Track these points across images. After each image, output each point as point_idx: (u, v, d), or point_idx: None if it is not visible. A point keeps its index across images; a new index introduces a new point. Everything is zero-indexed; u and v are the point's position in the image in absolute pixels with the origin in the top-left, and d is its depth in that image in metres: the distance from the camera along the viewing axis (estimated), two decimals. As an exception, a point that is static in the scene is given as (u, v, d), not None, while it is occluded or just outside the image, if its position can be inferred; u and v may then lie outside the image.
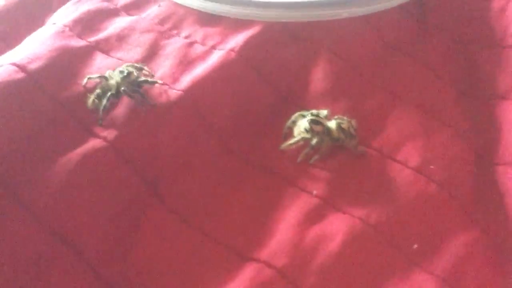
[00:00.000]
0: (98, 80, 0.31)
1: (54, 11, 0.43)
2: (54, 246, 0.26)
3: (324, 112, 0.31)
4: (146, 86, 0.31)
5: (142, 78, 0.31)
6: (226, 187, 0.30)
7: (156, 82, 0.31)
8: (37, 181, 0.27)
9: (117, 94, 0.30)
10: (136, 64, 0.32)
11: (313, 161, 0.30)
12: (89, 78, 0.31)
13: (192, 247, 0.27)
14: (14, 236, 0.26)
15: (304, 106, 0.33)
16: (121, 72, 0.31)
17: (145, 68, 0.32)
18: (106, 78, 0.31)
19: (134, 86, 0.30)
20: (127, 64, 0.32)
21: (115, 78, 0.31)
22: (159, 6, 0.39)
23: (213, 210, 0.29)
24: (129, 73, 0.31)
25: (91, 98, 0.30)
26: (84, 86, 0.31)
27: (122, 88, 0.30)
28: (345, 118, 0.31)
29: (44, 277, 0.25)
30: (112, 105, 0.30)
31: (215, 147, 0.31)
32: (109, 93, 0.30)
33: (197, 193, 0.29)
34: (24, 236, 0.26)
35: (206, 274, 0.26)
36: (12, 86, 0.30)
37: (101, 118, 0.29)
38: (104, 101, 0.29)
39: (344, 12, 0.38)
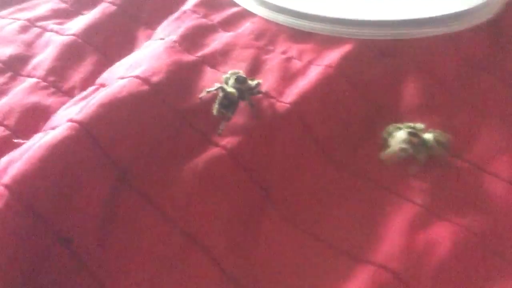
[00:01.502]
0: (215, 92, 0.33)
1: (145, 25, 0.47)
2: (185, 245, 0.29)
3: (421, 126, 0.33)
4: (256, 96, 0.34)
5: (255, 83, 0.34)
6: (332, 195, 0.32)
7: (263, 93, 0.34)
8: (168, 184, 0.30)
9: (237, 102, 0.32)
10: (236, 70, 0.35)
11: (412, 171, 0.32)
12: (207, 92, 0.33)
13: (306, 251, 0.29)
14: (149, 236, 0.29)
15: (397, 120, 0.35)
16: (237, 80, 0.33)
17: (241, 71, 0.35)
18: (223, 89, 0.33)
19: (248, 94, 0.33)
20: (232, 71, 0.35)
21: (233, 86, 0.33)
22: (252, 23, 0.42)
23: (322, 216, 0.31)
24: (245, 79, 0.33)
25: (216, 107, 0.32)
26: (201, 99, 0.34)
27: (245, 97, 0.33)
28: (438, 131, 0.33)
29: (176, 274, 0.28)
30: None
31: (320, 156, 0.33)
32: (233, 106, 0.32)
33: (306, 199, 0.31)
34: (157, 235, 0.29)
35: (323, 275, 0.28)
36: (139, 98, 0.32)
37: (221, 128, 0.32)
38: (229, 113, 0.32)
39: (430, 31, 0.40)
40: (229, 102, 0.32)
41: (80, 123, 0.30)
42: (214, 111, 0.32)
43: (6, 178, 0.27)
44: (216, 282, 0.28)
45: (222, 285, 0.28)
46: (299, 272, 0.29)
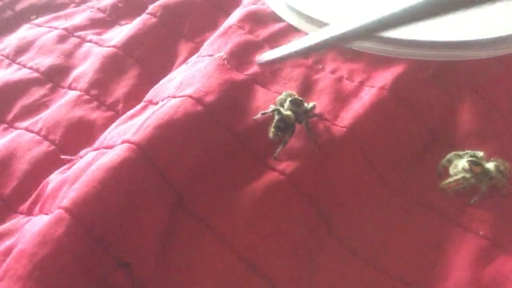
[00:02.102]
0: (271, 114, 0.32)
1: (186, 37, 0.46)
2: (245, 272, 0.28)
3: (480, 154, 0.33)
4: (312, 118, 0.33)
5: (310, 105, 0.33)
6: (391, 222, 0.31)
7: (318, 115, 0.34)
8: (226, 210, 0.29)
9: (294, 126, 0.32)
10: (289, 91, 0.34)
11: (473, 202, 0.31)
12: (262, 114, 0.33)
13: (365, 280, 0.29)
14: (208, 262, 0.28)
15: (454, 145, 0.34)
16: (293, 102, 0.32)
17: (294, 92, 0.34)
18: (279, 111, 0.32)
19: (305, 117, 0.32)
20: (286, 92, 0.34)
21: (289, 108, 0.32)
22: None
23: (382, 245, 0.30)
24: (301, 102, 0.32)
25: (272, 130, 0.32)
26: (255, 120, 0.33)
27: (302, 120, 0.32)
28: (500, 160, 0.32)
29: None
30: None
31: (377, 182, 0.32)
32: (290, 129, 0.31)
33: (365, 227, 0.31)
34: (217, 262, 0.28)
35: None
36: (194, 118, 0.32)
37: (278, 151, 0.31)
38: (286, 137, 0.31)
39: (482, 53, 0.39)
40: (285, 126, 0.31)
41: (137, 144, 0.29)
42: (270, 135, 0.31)
43: (66, 201, 0.27)
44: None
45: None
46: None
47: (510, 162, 0.33)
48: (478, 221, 0.31)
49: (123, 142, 0.30)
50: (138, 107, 0.36)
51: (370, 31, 0.24)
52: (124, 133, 0.32)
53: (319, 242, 0.30)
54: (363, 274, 0.29)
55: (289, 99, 0.32)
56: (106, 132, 0.35)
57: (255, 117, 0.33)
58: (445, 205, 0.32)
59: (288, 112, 0.32)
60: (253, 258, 0.29)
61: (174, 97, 0.34)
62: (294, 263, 0.29)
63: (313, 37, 0.26)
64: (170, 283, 0.28)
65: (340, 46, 0.37)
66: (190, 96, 0.33)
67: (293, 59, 0.38)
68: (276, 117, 0.31)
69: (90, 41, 0.48)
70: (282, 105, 0.33)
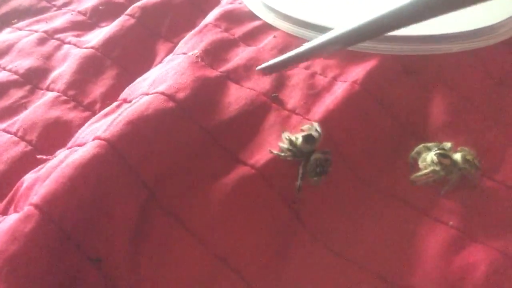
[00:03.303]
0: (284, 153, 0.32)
1: (164, 37, 0.46)
2: (216, 267, 0.28)
3: (448, 145, 0.33)
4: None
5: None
6: (362, 214, 0.31)
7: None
8: (197, 205, 0.30)
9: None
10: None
11: (443, 192, 0.32)
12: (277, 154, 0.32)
13: (338, 273, 0.29)
14: (179, 257, 0.28)
15: (425, 138, 0.35)
16: (307, 139, 0.31)
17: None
18: (293, 151, 0.31)
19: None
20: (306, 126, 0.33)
21: (303, 147, 0.31)
22: (274, 37, 0.42)
23: (353, 237, 0.30)
24: (314, 139, 0.31)
25: (316, 180, 0.31)
26: (228, 117, 0.33)
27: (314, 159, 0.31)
28: (466, 149, 0.33)
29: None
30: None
31: (349, 175, 0.33)
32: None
33: (336, 220, 0.31)
34: (188, 257, 0.28)
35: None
36: (165, 115, 0.32)
37: (298, 190, 0.31)
38: (299, 182, 0.31)
39: (454, 47, 0.40)
40: (322, 169, 0.31)
41: (108, 140, 0.30)
42: (315, 184, 0.31)
43: (36, 198, 0.27)
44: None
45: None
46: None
47: (482, 153, 0.33)
48: (448, 212, 0.31)
49: (94, 139, 0.30)
50: (113, 105, 0.36)
51: (369, 33, 0.24)
52: (96, 131, 0.32)
53: (290, 236, 0.30)
54: (335, 267, 0.29)
55: (302, 134, 0.32)
56: (79, 131, 0.35)
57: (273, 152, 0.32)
58: (416, 197, 0.32)
59: (318, 155, 0.31)
60: (225, 252, 0.29)
61: (147, 94, 0.34)
62: (266, 257, 0.29)
63: (311, 42, 0.26)
64: (141, 279, 0.28)
65: (337, 50, 0.36)
66: (162, 93, 0.33)
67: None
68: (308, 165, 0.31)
69: (69, 43, 0.48)
70: (292, 142, 0.32)
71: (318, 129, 0.32)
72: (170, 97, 0.33)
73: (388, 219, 0.31)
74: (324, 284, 0.28)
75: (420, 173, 0.32)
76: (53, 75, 0.44)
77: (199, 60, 0.37)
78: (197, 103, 0.33)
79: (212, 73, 0.37)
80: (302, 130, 0.32)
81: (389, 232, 0.30)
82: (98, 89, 0.42)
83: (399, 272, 0.28)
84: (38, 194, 0.27)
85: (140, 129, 0.31)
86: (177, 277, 0.28)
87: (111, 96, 0.41)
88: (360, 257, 0.29)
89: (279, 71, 0.33)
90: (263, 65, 0.31)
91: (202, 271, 0.28)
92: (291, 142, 0.31)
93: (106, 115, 0.35)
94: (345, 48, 0.30)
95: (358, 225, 0.31)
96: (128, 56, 0.46)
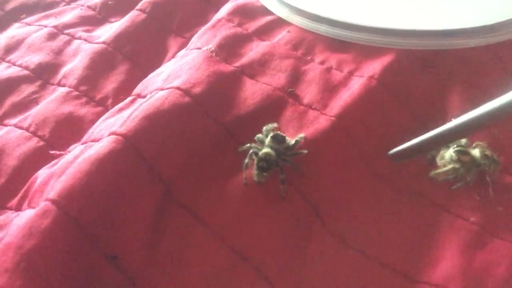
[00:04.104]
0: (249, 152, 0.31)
1: (175, 32, 0.46)
2: (234, 262, 0.28)
3: (463, 141, 0.33)
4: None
5: (292, 143, 0.31)
6: (381, 211, 0.31)
7: (303, 153, 0.31)
8: (214, 200, 0.29)
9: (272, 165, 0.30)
10: (270, 125, 0.32)
11: (455, 187, 0.31)
12: (240, 151, 0.31)
13: (358, 269, 0.29)
14: (197, 252, 0.28)
15: (443, 134, 0.34)
16: (275, 139, 0.30)
17: (276, 125, 0.32)
18: (256, 153, 0.30)
19: (286, 156, 0.30)
20: (268, 126, 0.32)
21: (268, 145, 0.31)
22: (288, 32, 0.41)
23: (372, 234, 0.30)
24: (283, 138, 0.30)
25: (256, 173, 0.30)
26: (243, 114, 0.33)
27: (278, 162, 0.30)
28: (482, 143, 0.32)
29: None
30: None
31: (367, 171, 0.32)
32: (273, 166, 0.30)
33: (355, 216, 0.31)
34: (205, 252, 0.28)
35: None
36: (181, 109, 0.32)
37: (283, 191, 0.30)
38: (281, 176, 0.30)
39: (471, 42, 0.39)
40: (268, 164, 0.29)
41: (124, 136, 0.29)
42: (256, 178, 0.30)
43: (52, 194, 0.27)
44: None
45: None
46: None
47: (501, 148, 0.33)
48: (468, 208, 0.31)
49: (110, 135, 0.30)
50: (127, 100, 0.36)
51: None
52: (111, 126, 0.32)
53: (309, 232, 0.30)
54: (354, 263, 0.29)
55: (271, 135, 0.31)
56: (94, 126, 0.35)
57: (240, 150, 0.32)
58: (436, 193, 0.32)
59: (267, 150, 0.30)
60: (243, 248, 0.28)
61: (162, 89, 0.33)
62: (285, 252, 0.29)
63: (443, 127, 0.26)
64: (159, 275, 0.28)
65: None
66: (178, 88, 0.33)
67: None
68: (255, 158, 0.30)
69: (79, 38, 0.48)
70: (263, 141, 0.31)
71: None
72: (185, 92, 0.32)
73: (407, 215, 0.31)
74: (344, 280, 0.28)
75: (440, 170, 0.32)
76: (64, 70, 0.44)
77: (214, 55, 0.37)
78: (212, 98, 0.33)
79: (227, 68, 0.36)
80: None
81: (408, 228, 0.30)
82: (110, 84, 0.42)
83: (419, 268, 0.28)
84: (55, 189, 0.27)
85: (156, 124, 0.30)
86: (195, 273, 0.28)
87: (123, 91, 0.41)
88: (379, 253, 0.29)
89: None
90: (394, 150, 0.31)
91: (221, 267, 0.28)
92: (259, 140, 0.31)
93: (120, 110, 0.35)
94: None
95: (376, 221, 0.30)
96: (139, 51, 0.45)
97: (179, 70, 0.35)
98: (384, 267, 0.28)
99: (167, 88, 0.33)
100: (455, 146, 0.32)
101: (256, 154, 0.30)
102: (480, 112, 0.25)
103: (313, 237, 0.30)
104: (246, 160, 0.30)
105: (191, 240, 0.28)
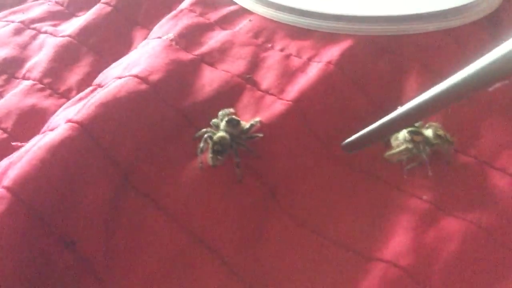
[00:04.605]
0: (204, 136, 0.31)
1: (141, 24, 0.46)
2: (191, 246, 0.28)
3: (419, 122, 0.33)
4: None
5: (247, 127, 0.31)
6: (337, 192, 0.31)
7: (257, 136, 0.32)
8: (171, 185, 0.30)
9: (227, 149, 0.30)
10: (226, 110, 0.33)
11: (410, 167, 0.32)
12: (194, 138, 0.32)
13: (314, 250, 0.29)
14: (154, 237, 0.28)
15: (399, 116, 0.35)
16: (229, 123, 0.31)
17: (232, 111, 0.33)
18: (210, 136, 0.31)
19: (241, 139, 0.31)
20: (223, 111, 0.33)
21: (223, 129, 0.31)
22: (250, 20, 0.42)
23: (327, 214, 0.30)
24: (237, 123, 0.31)
25: (211, 156, 0.30)
26: (201, 99, 0.33)
27: (233, 146, 0.30)
28: (435, 124, 0.33)
29: (183, 274, 0.27)
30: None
31: (323, 154, 0.33)
32: (228, 151, 0.30)
33: (312, 198, 0.31)
34: (162, 236, 0.28)
35: (332, 274, 0.28)
36: (138, 97, 0.32)
37: (239, 174, 0.31)
38: (236, 159, 0.30)
39: (430, 26, 0.40)
40: (223, 148, 0.30)
41: (79, 123, 0.30)
42: (210, 162, 0.30)
43: (7, 181, 0.27)
44: (223, 281, 0.27)
45: (229, 284, 0.27)
46: (308, 272, 0.28)
47: (456, 129, 0.33)
48: (422, 187, 0.31)
49: (66, 123, 0.30)
50: (87, 90, 0.36)
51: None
52: (69, 115, 0.32)
53: (265, 214, 0.30)
54: (308, 242, 0.29)
55: (225, 119, 0.31)
56: (53, 116, 0.35)
57: (194, 137, 0.32)
58: (391, 173, 0.32)
59: (221, 133, 0.30)
60: (199, 230, 0.29)
61: (120, 77, 0.34)
62: (241, 234, 0.29)
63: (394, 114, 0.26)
64: (116, 259, 0.28)
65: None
66: (135, 76, 0.33)
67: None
68: (210, 142, 0.30)
69: (45, 32, 0.48)
70: (218, 126, 0.31)
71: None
72: (143, 79, 0.33)
73: (362, 195, 0.31)
74: (299, 259, 0.28)
75: (393, 151, 0.32)
76: (29, 64, 0.44)
77: (174, 43, 0.37)
78: (170, 85, 0.33)
79: (187, 56, 0.36)
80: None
81: (363, 208, 0.31)
82: (74, 77, 0.42)
83: (372, 246, 0.28)
84: (10, 177, 0.27)
85: (112, 111, 0.31)
86: (152, 257, 0.28)
87: (87, 83, 0.41)
88: (334, 233, 0.29)
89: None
90: (347, 141, 0.31)
91: (178, 250, 0.28)
92: (215, 124, 0.31)
93: (80, 99, 0.35)
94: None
95: (332, 201, 0.31)
96: (104, 44, 0.45)
97: (138, 59, 0.35)
98: (338, 245, 0.29)
99: (125, 76, 0.33)
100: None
101: (211, 138, 0.30)
102: (428, 96, 0.25)
103: (270, 218, 0.30)
104: (201, 144, 0.30)
105: (147, 224, 0.29)
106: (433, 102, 0.25)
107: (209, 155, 0.30)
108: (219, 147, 0.29)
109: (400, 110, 0.26)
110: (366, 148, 0.33)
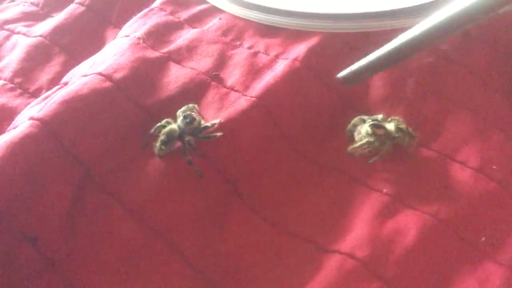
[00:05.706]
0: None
1: (114, 24, 0.46)
2: (152, 241, 0.28)
3: (379, 116, 0.34)
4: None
5: (203, 125, 0.31)
6: (299, 186, 0.32)
7: (215, 136, 0.32)
8: (133, 181, 0.30)
9: (179, 139, 0.31)
10: (190, 105, 0.33)
11: (372, 161, 0.32)
12: (154, 129, 0.32)
13: (274, 242, 0.29)
14: (116, 233, 0.29)
15: (364, 111, 0.35)
16: (184, 119, 0.31)
17: (197, 107, 0.33)
18: (164, 126, 0.31)
19: (193, 136, 0.31)
20: (188, 107, 0.33)
21: (178, 123, 0.31)
22: (220, 19, 0.42)
23: (289, 208, 0.31)
24: (192, 120, 0.31)
25: (156, 145, 0.31)
26: (166, 96, 0.33)
27: (186, 139, 0.31)
28: (397, 118, 0.33)
29: (144, 269, 0.28)
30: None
31: (287, 149, 0.33)
32: (174, 143, 0.31)
33: (274, 192, 0.31)
34: (124, 232, 0.29)
35: (290, 266, 0.28)
36: (101, 94, 0.32)
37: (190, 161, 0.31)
38: (187, 156, 0.31)
39: (395, 23, 0.40)
40: (168, 139, 0.31)
41: (41, 120, 0.30)
42: (155, 150, 0.31)
43: None
44: (184, 277, 0.28)
45: (190, 279, 0.27)
46: (267, 264, 0.28)
47: (419, 124, 0.34)
48: (383, 180, 0.32)
49: (28, 120, 0.30)
50: (54, 89, 0.36)
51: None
52: (32, 113, 0.32)
53: (227, 208, 0.31)
54: (270, 237, 0.30)
55: (183, 115, 0.31)
56: (19, 115, 0.35)
57: (151, 132, 0.32)
58: (353, 167, 0.32)
59: (173, 126, 0.31)
60: (160, 227, 0.29)
61: (85, 75, 0.34)
62: (202, 229, 0.30)
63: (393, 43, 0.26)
64: (78, 257, 0.28)
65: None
66: (99, 73, 0.33)
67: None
68: (162, 130, 0.31)
69: (18, 33, 0.48)
70: (177, 119, 0.32)
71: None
72: (107, 77, 0.33)
73: (324, 189, 0.32)
74: (259, 253, 0.29)
75: (355, 145, 0.33)
76: (0, 64, 0.44)
77: (141, 41, 0.37)
78: (135, 82, 0.34)
79: (153, 53, 0.37)
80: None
81: (325, 202, 0.31)
82: (44, 76, 0.42)
83: (330, 238, 0.29)
84: None
85: (74, 109, 0.31)
86: (114, 254, 0.28)
87: (57, 82, 0.41)
88: (295, 227, 0.30)
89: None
90: (342, 73, 0.30)
91: (138, 247, 0.28)
92: (177, 116, 0.32)
93: (45, 98, 0.35)
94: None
95: (295, 196, 0.31)
96: (76, 44, 0.45)
97: (104, 57, 0.36)
98: (298, 238, 0.29)
99: (90, 74, 0.33)
100: (370, 120, 0.33)
101: (163, 127, 0.31)
102: (425, 27, 0.25)
103: (232, 213, 0.30)
104: (152, 130, 0.31)
105: (109, 221, 0.29)
106: (429, 33, 0.25)
107: (155, 144, 0.31)
108: (166, 138, 0.30)
109: (397, 40, 0.26)
110: (332, 144, 0.34)
